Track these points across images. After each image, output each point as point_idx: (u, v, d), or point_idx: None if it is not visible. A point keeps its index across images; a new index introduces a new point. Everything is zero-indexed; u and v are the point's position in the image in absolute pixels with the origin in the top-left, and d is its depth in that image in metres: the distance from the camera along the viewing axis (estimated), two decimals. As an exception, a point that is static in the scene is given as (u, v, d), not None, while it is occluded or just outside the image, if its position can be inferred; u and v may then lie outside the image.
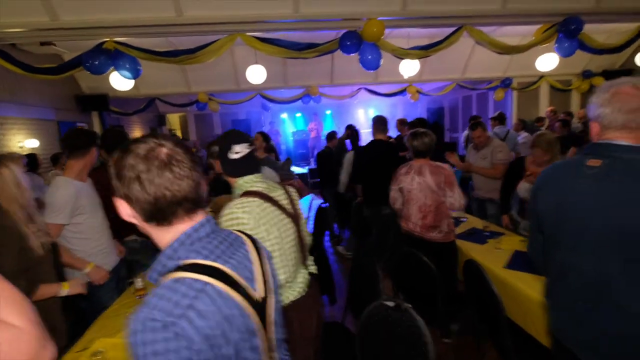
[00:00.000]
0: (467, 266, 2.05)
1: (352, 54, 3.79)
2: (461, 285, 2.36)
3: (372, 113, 12.85)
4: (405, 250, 2.26)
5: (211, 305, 0.68)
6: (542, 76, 8.12)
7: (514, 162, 3.10)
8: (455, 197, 2.38)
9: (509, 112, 8.90)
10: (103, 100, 6.96)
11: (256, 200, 1.41)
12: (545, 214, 1.25)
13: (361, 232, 3.70)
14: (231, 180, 1.53)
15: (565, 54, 4.12)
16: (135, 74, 3.69)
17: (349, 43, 3.63)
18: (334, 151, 5.25)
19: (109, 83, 4.46)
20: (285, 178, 3.67)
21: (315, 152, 9.88)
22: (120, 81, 4.74)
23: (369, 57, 3.75)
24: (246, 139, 1.51)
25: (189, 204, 0.74)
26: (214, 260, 0.74)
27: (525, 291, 1.95)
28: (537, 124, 6.72)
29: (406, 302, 1.51)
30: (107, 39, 3.39)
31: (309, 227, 1.80)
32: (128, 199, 0.72)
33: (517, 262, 2.29)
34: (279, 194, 1.52)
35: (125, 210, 0.74)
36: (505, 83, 8.44)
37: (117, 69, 3.56)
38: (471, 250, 2.60)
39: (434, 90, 9.43)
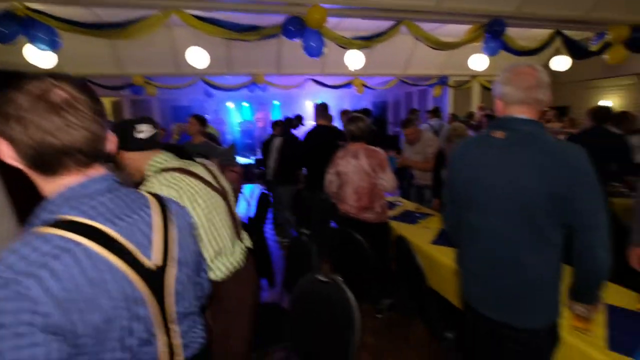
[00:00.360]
0: (397, 243, 2.17)
1: (296, 40, 3.77)
2: (395, 264, 2.50)
3: (320, 105, 12.97)
4: (340, 229, 2.33)
5: (73, 267, 0.62)
6: (474, 76, 8.80)
7: (438, 152, 3.34)
8: (387, 179, 2.50)
9: (446, 107, 9.54)
10: (16, 79, 6.13)
11: (177, 175, 1.35)
12: (459, 183, 1.36)
13: (301, 216, 3.73)
14: (137, 158, 1.40)
15: (490, 53, 4.50)
16: (53, 46, 3.31)
17: (292, 28, 3.60)
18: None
19: (24, 58, 3.93)
20: (226, 165, 3.57)
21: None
22: (37, 56, 4.20)
23: (312, 44, 3.76)
24: (152, 121, 1.44)
25: (81, 157, 0.68)
26: (97, 220, 0.68)
27: (447, 262, 2.13)
28: (468, 118, 7.29)
29: (341, 279, 1.56)
30: (17, 3, 2.99)
31: (251, 213, 1.78)
32: (9, 140, 0.65)
33: (442, 238, 2.50)
34: (199, 170, 1.46)
35: (7, 152, 0.66)
36: (442, 81, 9.02)
37: (30, 39, 3.15)
38: (403, 229, 2.76)
39: (378, 85, 9.76)
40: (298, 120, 6.26)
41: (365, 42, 3.98)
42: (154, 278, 0.75)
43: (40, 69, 5.68)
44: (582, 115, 8.26)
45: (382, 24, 4.08)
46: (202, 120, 3.46)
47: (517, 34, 5.13)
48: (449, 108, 9.41)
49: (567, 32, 4.80)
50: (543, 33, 4.83)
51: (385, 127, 13.05)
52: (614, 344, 1.29)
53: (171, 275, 0.79)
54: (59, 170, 0.68)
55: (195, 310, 0.92)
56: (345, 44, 3.97)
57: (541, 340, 1.23)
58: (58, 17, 3.10)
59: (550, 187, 1.10)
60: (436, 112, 6.18)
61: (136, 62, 7.08)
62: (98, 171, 0.73)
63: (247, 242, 1.69)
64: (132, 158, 1.40)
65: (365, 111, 4.88)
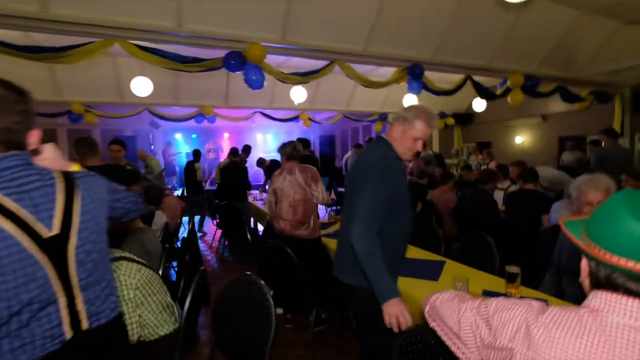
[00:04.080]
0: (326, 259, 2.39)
1: (237, 73, 4.06)
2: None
3: (270, 138, 13.30)
4: (271, 242, 2.49)
5: None
6: (409, 113, 9.69)
7: None
8: (319, 191, 2.79)
9: (387, 142, 10.29)
10: None
11: None
12: None
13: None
14: None
15: (415, 92, 5.15)
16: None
17: (232, 62, 3.88)
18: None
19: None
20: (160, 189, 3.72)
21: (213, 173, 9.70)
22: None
23: (253, 77, 4.06)
24: None
25: None
26: None
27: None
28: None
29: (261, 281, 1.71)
30: (-55, 23, 2.95)
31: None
32: None
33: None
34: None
35: None
36: (382, 117, 9.83)
37: (-44, 58, 3.08)
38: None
39: (324, 119, 10.36)
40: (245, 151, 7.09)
41: (301, 77, 4.38)
42: (51, 245, 0.87)
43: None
44: (500, 149, 9.45)
45: (323, 64, 4.54)
46: (124, 145, 3.59)
47: (439, 78, 5.95)
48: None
49: (477, 78, 5.67)
50: (458, 78, 5.64)
51: (333, 160, 13.67)
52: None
53: (72, 244, 0.91)
54: None
55: (106, 280, 1.01)
56: (283, 79, 4.33)
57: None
58: (-10, 39, 3.10)
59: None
60: (359, 147, 7.14)
61: (76, 89, 6.92)
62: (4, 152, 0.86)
63: None
64: None
65: (302, 140, 5.80)
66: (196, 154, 7.28)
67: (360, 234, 1.41)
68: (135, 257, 1.55)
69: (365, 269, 1.40)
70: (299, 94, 6.16)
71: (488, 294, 1.77)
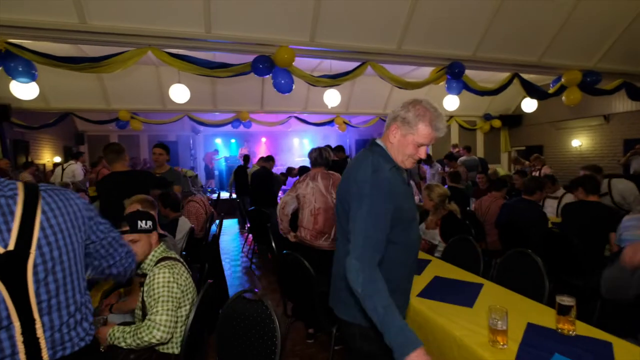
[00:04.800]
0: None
1: (265, 77, 4.00)
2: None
3: (307, 142, 13.30)
4: (288, 254, 2.34)
5: None
6: (451, 116, 9.20)
7: None
8: None
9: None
10: (3, 111, 6.31)
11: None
12: None
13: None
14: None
15: (454, 92, 4.79)
16: (29, 79, 3.47)
17: (261, 66, 3.83)
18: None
19: (11, 92, 4.08)
20: (185, 195, 3.75)
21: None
22: (21, 89, 4.37)
23: (282, 81, 3.99)
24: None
25: None
26: None
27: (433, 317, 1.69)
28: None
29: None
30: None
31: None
32: None
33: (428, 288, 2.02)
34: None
35: None
36: (421, 120, 9.38)
37: (6, 70, 3.31)
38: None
39: (360, 123, 10.12)
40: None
41: (331, 80, 4.23)
42: (4, 262, 0.78)
43: (28, 104, 5.88)
44: (554, 154, 8.62)
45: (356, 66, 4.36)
46: (167, 149, 3.60)
47: (484, 78, 5.50)
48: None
49: (527, 76, 5.16)
50: (504, 77, 5.17)
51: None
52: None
53: (30, 260, 0.82)
54: None
55: (76, 304, 0.91)
56: (313, 82, 4.21)
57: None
58: (34, 50, 3.29)
59: None
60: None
61: (123, 97, 7.34)
62: None
63: None
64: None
65: (338, 148, 5.82)
66: (246, 159, 7.64)
67: (357, 271, 1.12)
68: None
69: (369, 313, 1.10)
70: (332, 97, 6.00)
71: (534, 328, 1.48)
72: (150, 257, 1.64)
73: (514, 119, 9.60)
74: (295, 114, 8.97)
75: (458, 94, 4.89)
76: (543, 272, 1.96)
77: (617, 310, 1.94)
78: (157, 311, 1.45)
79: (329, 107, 6.57)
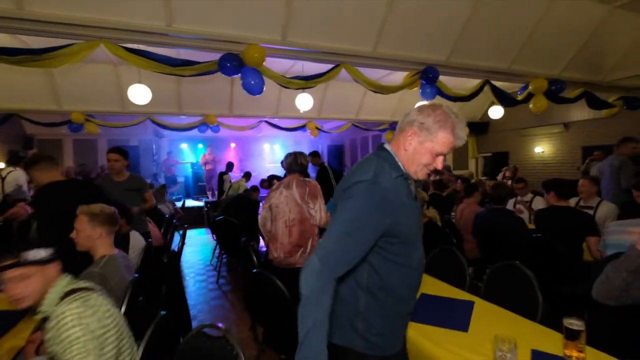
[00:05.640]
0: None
1: (234, 77, 3.73)
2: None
3: (278, 148, 13.00)
4: (260, 273, 2.08)
5: None
6: (422, 122, 9.30)
7: None
8: (317, 210, 2.37)
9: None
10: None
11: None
12: None
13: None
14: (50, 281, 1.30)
15: (428, 98, 4.73)
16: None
17: (228, 65, 3.55)
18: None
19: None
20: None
21: (214, 183, 9.42)
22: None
23: (252, 81, 3.72)
24: None
25: None
26: None
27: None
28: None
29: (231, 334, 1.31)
30: None
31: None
32: None
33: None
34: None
35: None
36: (393, 126, 9.42)
37: None
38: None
39: (332, 128, 9.99)
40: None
41: (304, 82, 4.02)
42: None
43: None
44: (518, 160, 8.90)
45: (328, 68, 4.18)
46: (125, 154, 3.20)
47: (454, 84, 5.52)
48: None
49: (497, 83, 5.23)
50: (474, 84, 5.21)
51: (341, 172, 13.25)
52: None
53: None
54: None
55: None
56: (285, 84, 3.98)
57: None
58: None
59: None
60: None
61: (76, 98, 6.73)
62: None
63: None
64: None
65: (314, 153, 5.69)
66: (229, 165, 8.54)
67: (314, 272, 0.98)
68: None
69: (299, 319, 0.97)
70: (304, 101, 5.81)
71: (539, 356, 1.32)
72: (49, 295, 1.26)
73: (481, 126, 9.86)
74: (266, 119, 8.68)
75: (431, 99, 4.84)
76: (535, 287, 1.83)
77: (605, 324, 1.85)
78: None
79: (301, 111, 6.36)
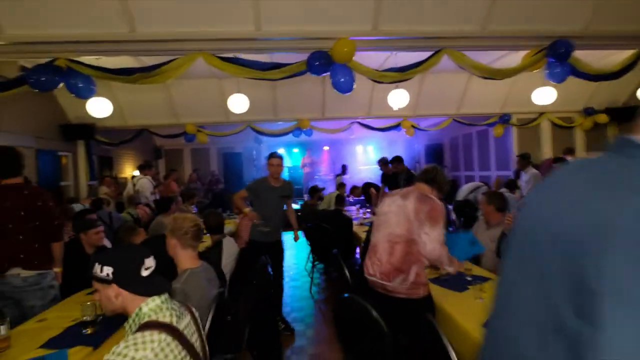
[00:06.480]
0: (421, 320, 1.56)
1: (323, 75, 3.54)
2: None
3: (371, 150, 12.64)
4: (351, 299, 1.76)
5: None
6: (542, 112, 7.86)
7: None
8: (431, 238, 1.90)
9: (510, 149, 8.58)
10: (89, 130, 6.86)
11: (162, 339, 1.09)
12: None
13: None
14: (133, 303, 1.19)
15: (557, 79, 3.80)
16: (88, 94, 3.47)
17: (317, 63, 3.37)
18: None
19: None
20: None
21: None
22: (95, 107, 4.56)
23: (341, 79, 3.48)
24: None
25: None
26: None
27: None
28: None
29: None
30: (59, 57, 3.20)
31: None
32: None
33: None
34: (186, 323, 1.22)
35: None
36: (504, 119, 8.17)
37: (68, 87, 3.34)
38: (444, 299, 2.09)
39: (430, 126, 9.18)
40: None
41: (399, 74, 3.59)
42: None
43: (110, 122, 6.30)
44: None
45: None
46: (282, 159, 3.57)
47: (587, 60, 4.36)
48: (513, 150, 8.42)
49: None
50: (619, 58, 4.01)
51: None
52: None
53: None
54: None
55: None
56: (378, 77, 3.62)
57: None
58: (91, 65, 3.26)
59: None
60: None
61: (189, 111, 7.54)
62: None
63: None
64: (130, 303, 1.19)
65: (396, 159, 5.30)
66: (343, 168, 9.66)
67: None
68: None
69: None
70: (399, 97, 5.30)
71: None
72: (136, 311, 1.18)
73: (626, 112, 7.83)
74: (358, 120, 8.42)
75: (562, 81, 3.88)
76: None
77: None
78: None
79: (395, 108, 5.88)
